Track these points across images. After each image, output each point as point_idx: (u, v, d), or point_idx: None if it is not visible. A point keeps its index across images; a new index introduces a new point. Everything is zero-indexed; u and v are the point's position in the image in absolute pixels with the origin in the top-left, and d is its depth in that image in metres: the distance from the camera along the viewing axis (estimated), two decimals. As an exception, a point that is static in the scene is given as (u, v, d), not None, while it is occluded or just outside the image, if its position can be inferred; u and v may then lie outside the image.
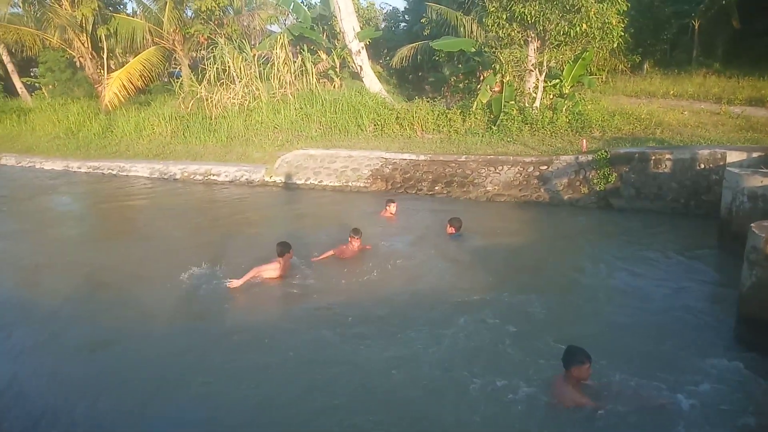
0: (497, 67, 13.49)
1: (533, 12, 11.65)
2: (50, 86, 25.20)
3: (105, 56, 20.00)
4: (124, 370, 5.19)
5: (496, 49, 13.44)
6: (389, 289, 6.71)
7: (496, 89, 13.82)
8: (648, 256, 7.37)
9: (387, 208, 9.40)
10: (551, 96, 13.54)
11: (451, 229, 8.36)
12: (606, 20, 11.47)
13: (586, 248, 8.02)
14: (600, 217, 9.39)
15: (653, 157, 9.35)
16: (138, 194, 13.40)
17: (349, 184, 12.09)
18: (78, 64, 22.80)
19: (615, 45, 12.47)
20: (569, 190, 10.04)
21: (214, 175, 13.83)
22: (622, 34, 12.38)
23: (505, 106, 12.97)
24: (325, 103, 15.45)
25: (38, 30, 20.07)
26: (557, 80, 13.67)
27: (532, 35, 12.65)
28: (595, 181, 9.82)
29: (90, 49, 19.95)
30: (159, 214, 11.70)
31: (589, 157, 10.12)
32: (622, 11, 11.86)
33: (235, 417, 4.44)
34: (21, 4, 21.87)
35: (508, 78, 13.53)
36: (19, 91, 25.85)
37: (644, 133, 11.75)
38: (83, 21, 18.98)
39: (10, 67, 25.78)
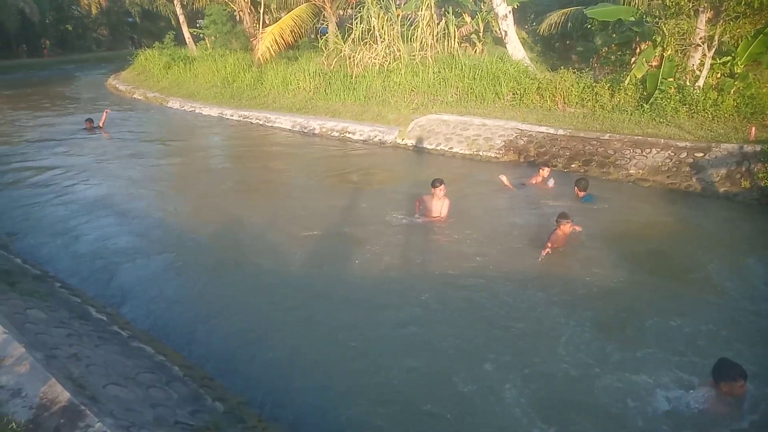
0: (658, 39, 12.23)
1: (711, -22, 10.35)
2: (212, 38, 27.40)
3: (261, 11, 21.27)
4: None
5: (660, 18, 12.18)
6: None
7: (654, 64, 12.58)
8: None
9: (540, 172, 9.38)
10: (718, 75, 12.04)
11: (581, 193, 8.35)
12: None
13: (743, 250, 7.12)
14: (762, 215, 8.31)
15: (840, 154, 8.04)
16: (280, 144, 14.36)
17: (480, 153, 11.88)
18: (238, 17, 24.51)
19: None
20: (727, 182, 8.99)
21: (349, 132, 14.32)
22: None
23: (662, 83, 11.80)
24: (464, 67, 15.14)
25: (207, -16, 21.86)
26: (728, 57, 12.09)
27: (705, 4, 11.25)
28: (760, 175, 8.67)
29: (249, 3, 21.30)
30: (296, 164, 12.52)
31: (757, 148, 8.94)
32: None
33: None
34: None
35: (669, 52, 12.23)
36: (187, 41, 28.54)
37: (832, 125, 10.10)
38: (246, -24, 20.29)
39: (181, 18, 28.51)
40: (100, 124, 15.99)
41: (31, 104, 21.97)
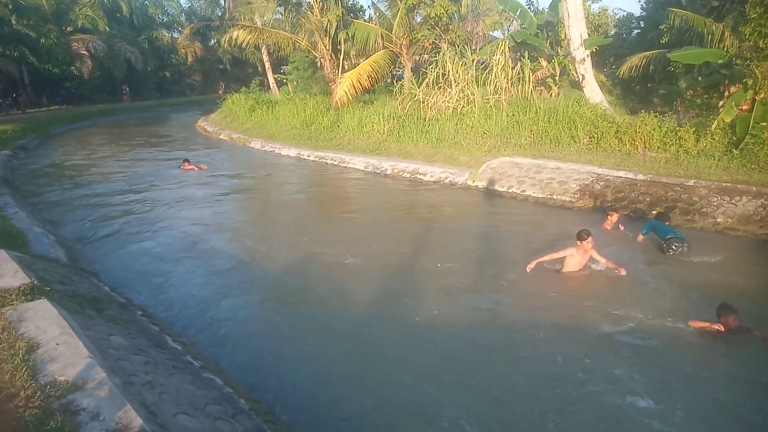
0: (749, 82, 11.61)
1: (808, 18, 9.77)
2: (294, 83, 28.92)
3: (341, 57, 22.25)
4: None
5: (752, 61, 11.59)
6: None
7: (744, 108, 11.90)
8: None
9: (608, 218, 9.33)
10: (819, 119, 11.20)
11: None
12: None
13: None
14: None
15: None
16: (353, 184, 14.73)
17: (554, 197, 11.61)
18: (318, 64, 25.76)
19: None
20: (828, 235, 8.25)
21: (421, 174, 14.46)
22: None
23: (754, 127, 11.11)
24: (538, 111, 15.01)
25: (292, 33, 23.21)
26: (830, 101, 11.25)
27: (803, 45, 10.63)
28: None
29: (330, 50, 22.37)
30: (368, 201, 12.85)
31: None
32: None
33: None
34: (282, 12, 25.48)
35: (762, 95, 11.55)
36: (271, 86, 30.33)
37: None
38: (328, 26, 21.36)
39: (267, 65, 30.42)
40: (195, 168, 17.25)
41: (133, 143, 23.93)
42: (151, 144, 23.72)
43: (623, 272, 7.38)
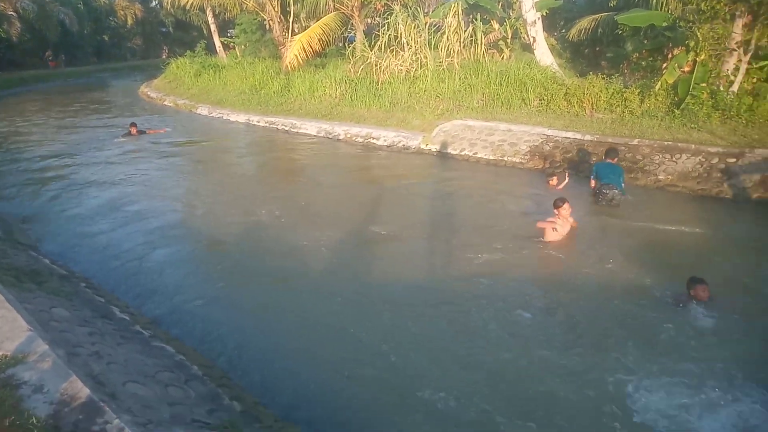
0: (691, 44, 11.94)
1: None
2: (242, 46, 27.90)
3: (291, 20, 21.56)
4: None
5: (694, 23, 11.90)
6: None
7: (686, 69, 12.28)
8: None
9: (549, 182, 9.75)
10: (754, 80, 11.67)
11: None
12: None
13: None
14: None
15: None
16: (305, 149, 14.48)
17: (505, 158, 11.76)
18: (267, 26, 24.90)
19: None
20: (760, 188, 8.70)
21: (374, 138, 14.35)
22: None
23: (694, 88, 11.50)
24: (490, 74, 15.05)
25: (237, -6, 22.28)
26: (766, 62, 11.72)
27: (743, 9, 10.95)
28: (797, 181, 8.38)
29: (278, 12, 21.62)
30: (321, 166, 12.69)
31: (794, 154, 8.65)
32: None
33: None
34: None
35: (702, 57, 11.93)
36: (218, 49, 29.15)
37: None
38: (276, -14, 20.61)
39: (213, 27, 29.15)
40: (148, 131, 16.52)
41: (71, 110, 22.67)
42: (90, 111, 22.56)
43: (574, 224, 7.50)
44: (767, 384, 4.40)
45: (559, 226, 7.26)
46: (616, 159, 9.13)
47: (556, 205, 7.40)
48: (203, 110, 21.06)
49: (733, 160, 9.20)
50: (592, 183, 8.96)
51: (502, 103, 14.26)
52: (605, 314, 5.64)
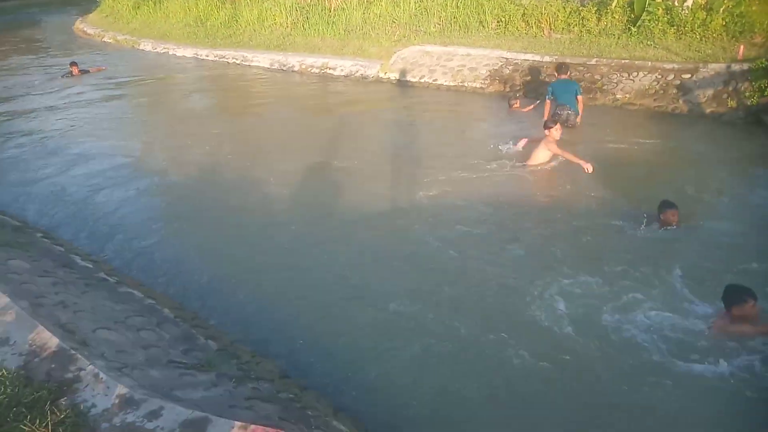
0: (647, -43, 11.77)
1: None
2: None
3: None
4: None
5: (649, -65, 11.65)
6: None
7: (642, -16, 12.16)
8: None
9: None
10: (708, -7, 11.69)
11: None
12: None
13: (731, 167, 7.20)
14: (747, 135, 8.25)
15: (828, 70, 7.93)
16: (258, 82, 13.94)
17: (465, 84, 11.61)
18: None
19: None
20: (713, 103, 8.90)
21: (330, 68, 13.88)
22: None
23: (649, 4, 11.42)
24: (447, -5, 14.57)
25: None
26: (719, -25, 11.69)
27: None
28: (747, 94, 8.58)
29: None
30: (276, 99, 12.31)
31: (745, 66, 8.80)
32: None
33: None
34: None
35: (658, -29, 11.80)
36: (155, -22, 27.02)
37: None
38: None
39: (147, -47, 26.87)
40: (90, 70, 15.53)
41: (1, 51, 21.05)
42: (23, 51, 20.94)
43: (590, 168, 6.61)
44: (706, 300, 4.55)
45: (551, 143, 7.24)
46: (569, 73, 9.21)
47: (547, 126, 7.38)
48: (147, 45, 19.83)
49: (688, 75, 9.32)
50: (548, 103, 8.95)
51: (460, 26, 13.89)
52: (559, 232, 5.83)
